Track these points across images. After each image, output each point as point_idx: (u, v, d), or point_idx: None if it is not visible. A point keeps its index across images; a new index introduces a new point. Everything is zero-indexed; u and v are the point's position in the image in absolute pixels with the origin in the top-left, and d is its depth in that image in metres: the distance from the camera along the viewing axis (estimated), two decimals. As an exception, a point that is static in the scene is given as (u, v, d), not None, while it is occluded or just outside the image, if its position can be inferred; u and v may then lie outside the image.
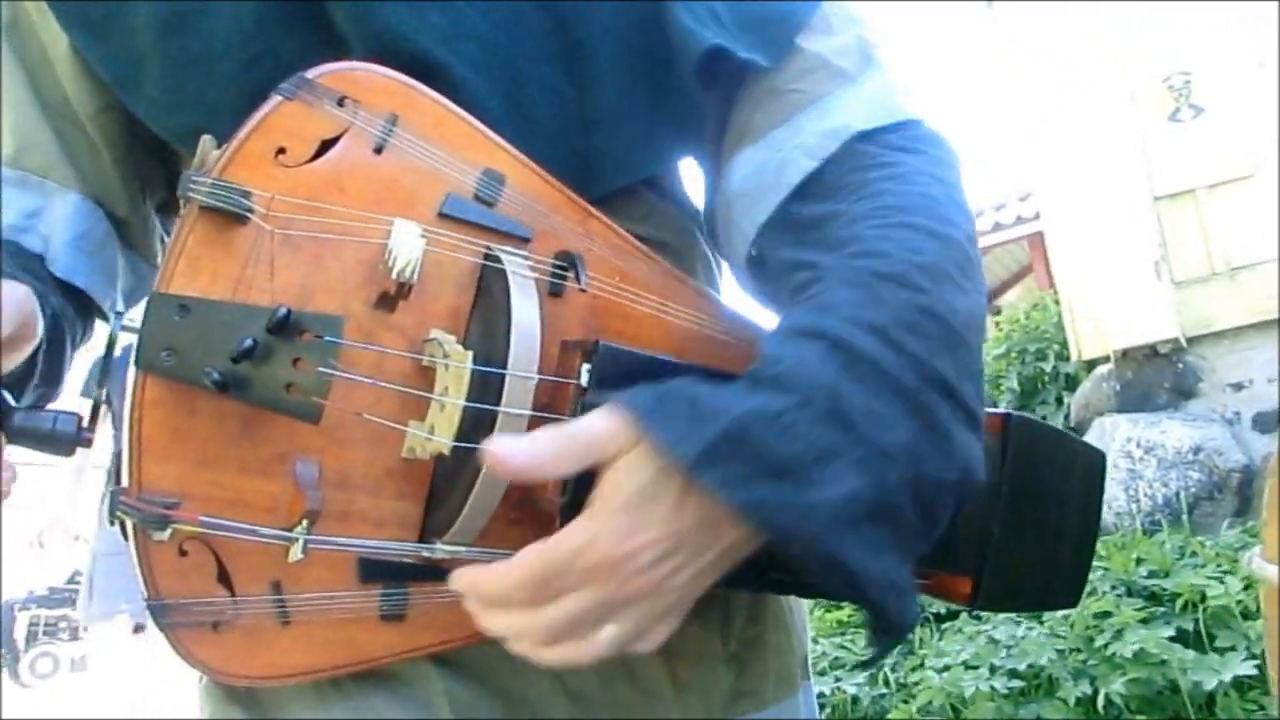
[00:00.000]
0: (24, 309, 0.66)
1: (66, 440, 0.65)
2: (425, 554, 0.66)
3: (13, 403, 0.65)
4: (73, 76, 0.81)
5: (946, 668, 3.05)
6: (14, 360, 0.67)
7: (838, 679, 3.46)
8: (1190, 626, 2.76)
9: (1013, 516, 0.78)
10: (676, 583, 0.57)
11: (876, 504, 0.56)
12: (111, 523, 0.61)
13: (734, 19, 0.75)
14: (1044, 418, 5.62)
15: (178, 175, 0.75)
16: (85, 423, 0.66)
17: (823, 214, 0.71)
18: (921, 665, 3.25)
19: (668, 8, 0.75)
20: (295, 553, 0.61)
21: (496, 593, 0.57)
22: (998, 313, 8.70)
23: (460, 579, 0.58)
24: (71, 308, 0.82)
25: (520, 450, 0.55)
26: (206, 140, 0.64)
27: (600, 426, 0.56)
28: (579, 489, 0.58)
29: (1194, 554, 3.29)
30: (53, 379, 0.79)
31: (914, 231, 0.65)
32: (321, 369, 0.59)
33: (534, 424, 0.62)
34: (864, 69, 0.76)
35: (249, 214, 0.61)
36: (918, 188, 0.69)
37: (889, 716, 3.13)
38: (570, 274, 0.69)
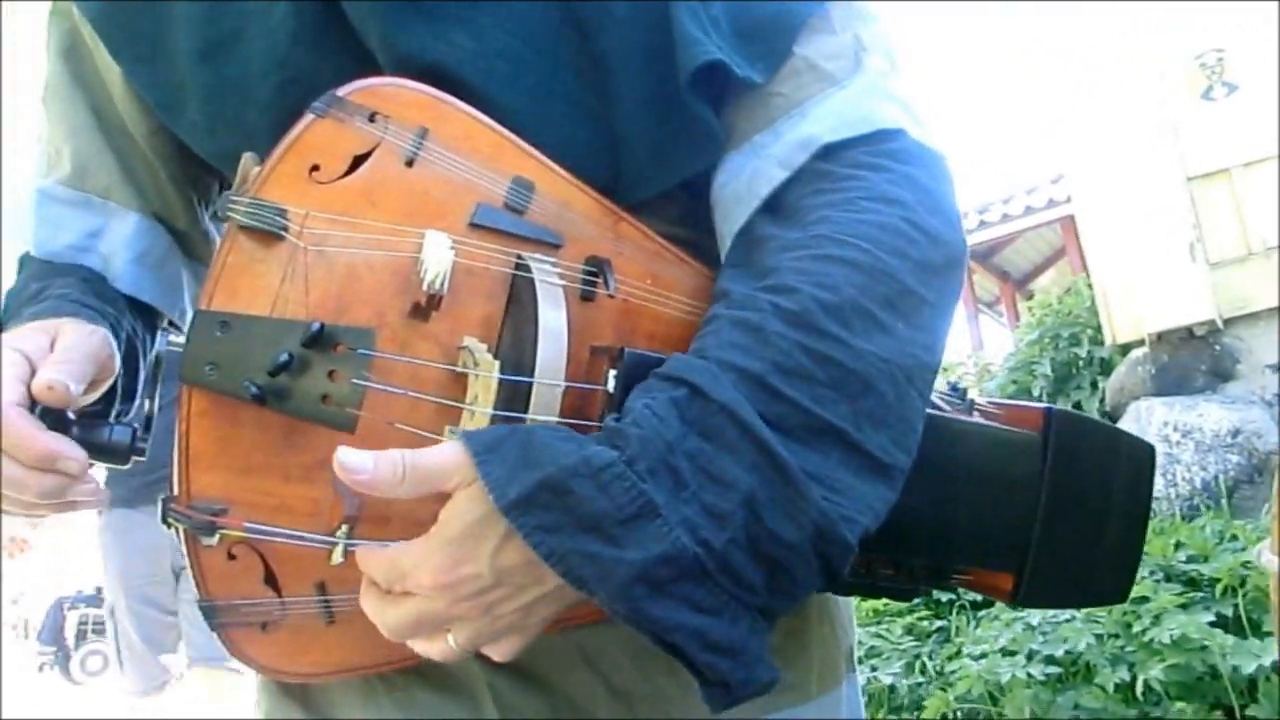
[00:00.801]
0: (100, 357, 0.71)
1: (122, 450, 0.68)
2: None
3: (72, 415, 0.68)
4: (126, 99, 0.84)
5: (984, 655, 3.04)
6: (94, 395, 0.72)
7: (874, 668, 3.45)
8: (1230, 611, 2.74)
9: (1055, 512, 0.77)
10: (503, 611, 0.59)
11: (696, 564, 0.56)
12: (168, 526, 0.63)
13: (732, 27, 0.74)
14: (1078, 403, 5.56)
15: (229, 188, 0.78)
16: (140, 433, 0.68)
17: (766, 236, 0.70)
18: (958, 653, 3.24)
19: (671, 7, 0.74)
20: (336, 556, 0.63)
21: (365, 574, 0.61)
22: (1030, 297, 8.63)
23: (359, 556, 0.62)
24: (141, 323, 0.86)
25: (364, 467, 0.57)
26: (248, 158, 0.67)
27: (443, 459, 0.58)
28: None
29: (1234, 538, 3.26)
30: (131, 395, 0.82)
31: (837, 265, 0.64)
32: (355, 380, 0.61)
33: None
34: (851, 73, 0.75)
35: (284, 232, 0.63)
36: (864, 215, 0.67)
37: (926, 705, 3.13)
38: (600, 279, 0.70)
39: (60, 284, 0.80)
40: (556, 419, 0.63)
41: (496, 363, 0.63)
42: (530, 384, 0.62)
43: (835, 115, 0.72)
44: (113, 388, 0.76)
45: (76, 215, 0.85)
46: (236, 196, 0.63)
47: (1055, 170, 8.14)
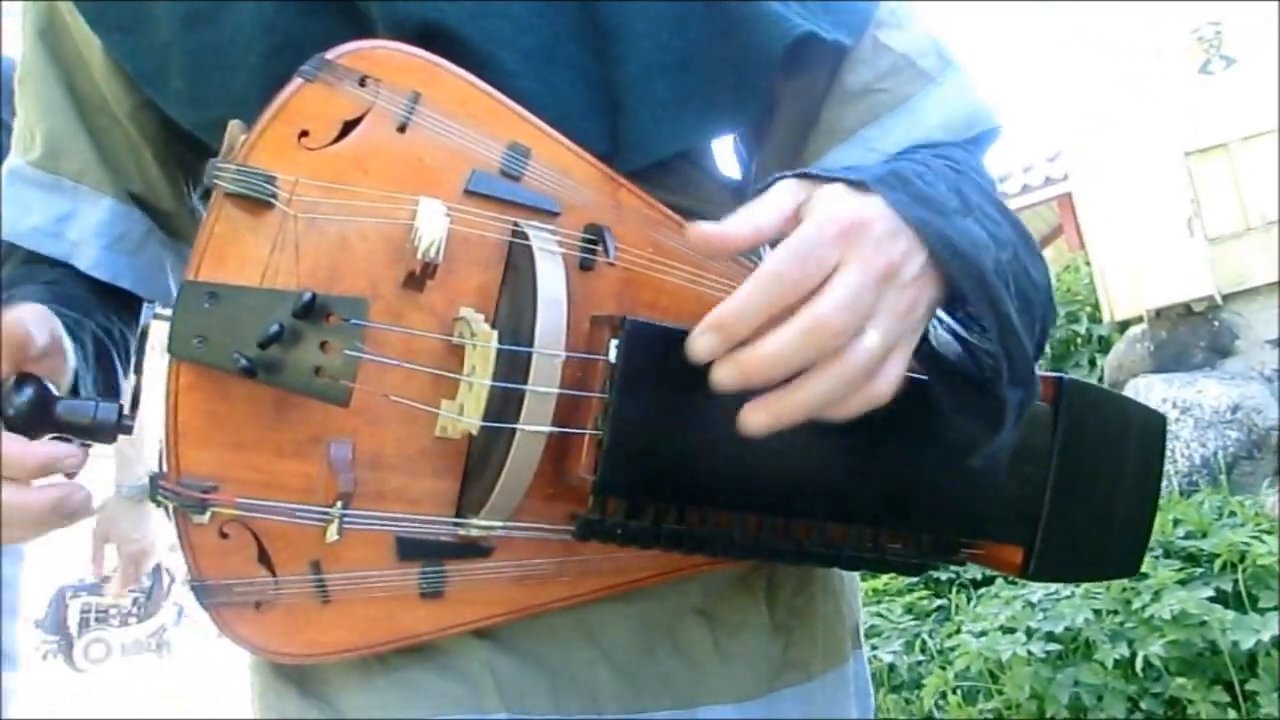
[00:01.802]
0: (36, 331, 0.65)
1: (108, 428, 0.65)
2: (460, 530, 0.67)
3: (56, 392, 0.65)
4: (108, 76, 0.81)
5: (983, 633, 3.04)
6: (51, 372, 0.66)
7: (874, 647, 3.46)
8: (1229, 587, 2.74)
9: (1065, 483, 0.76)
10: (907, 270, 0.59)
11: (996, 265, 0.62)
12: (157, 505, 0.62)
13: (808, 8, 0.77)
14: (1077, 380, 5.55)
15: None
16: (126, 410, 0.67)
17: None
18: (958, 631, 3.25)
19: None
20: (331, 533, 0.62)
21: (748, 301, 0.56)
22: (1028, 275, 8.60)
23: (697, 246, 0.60)
24: (119, 313, 0.83)
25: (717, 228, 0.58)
26: (235, 125, 0.64)
27: (776, 189, 0.61)
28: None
29: (1232, 514, 3.26)
30: (115, 392, 0.79)
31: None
32: (348, 351, 0.60)
33: (566, 400, 0.62)
34: (944, 70, 0.81)
35: (273, 199, 0.61)
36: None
37: (926, 682, 3.13)
38: (599, 247, 0.68)
39: (21, 293, 0.76)
40: (557, 390, 0.61)
41: (494, 332, 0.62)
42: (530, 354, 0.61)
43: (940, 114, 0.79)
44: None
45: (46, 198, 0.82)
46: (223, 163, 0.61)
47: (1052, 148, 8.11)
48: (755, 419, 0.57)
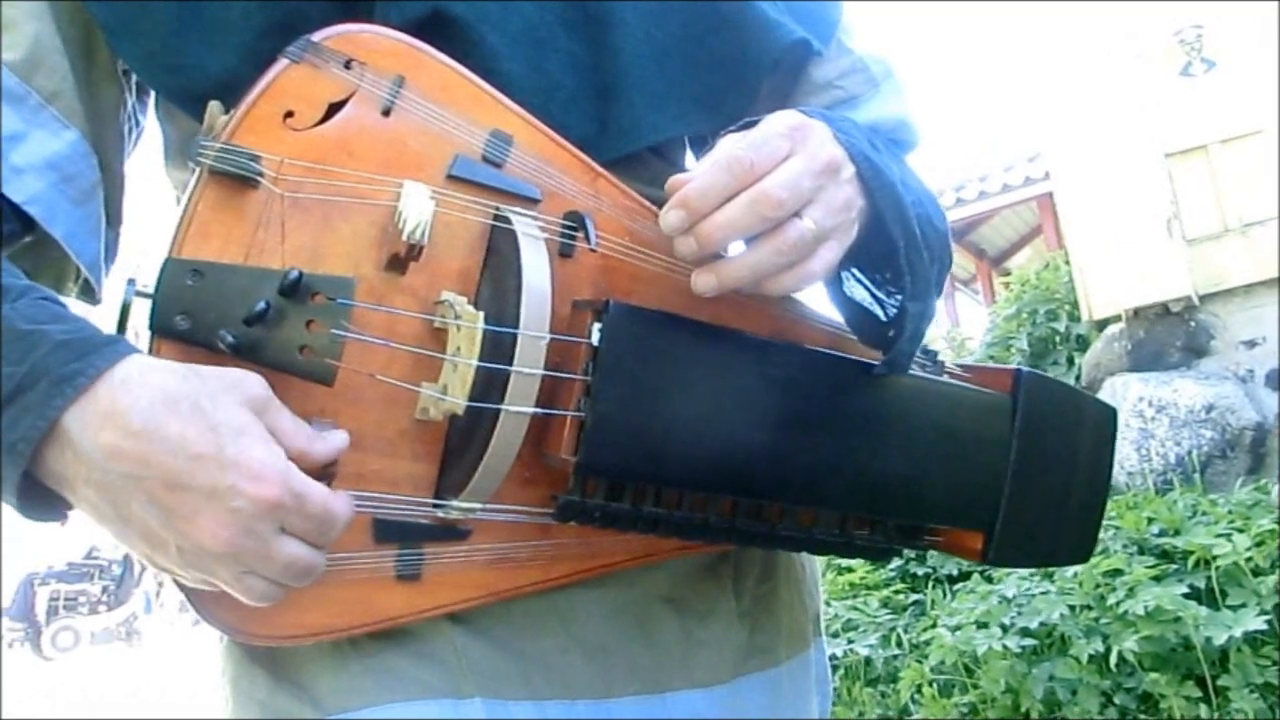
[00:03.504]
0: None
1: None
2: (439, 513, 0.67)
3: None
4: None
5: (959, 627, 3.07)
6: None
7: (850, 641, 3.48)
8: (1202, 584, 2.77)
9: (1023, 471, 0.78)
10: (845, 171, 0.68)
11: (906, 191, 0.72)
12: None
13: (791, 11, 0.86)
14: (1055, 379, 5.58)
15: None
16: None
17: None
18: (934, 625, 3.27)
19: None
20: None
21: (710, 180, 0.64)
22: (1007, 274, 8.65)
23: (673, 193, 0.65)
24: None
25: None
26: (215, 106, 0.64)
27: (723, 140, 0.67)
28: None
29: (1205, 513, 3.30)
30: None
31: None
32: (334, 330, 0.60)
33: (546, 384, 0.63)
34: (885, 79, 0.92)
35: (259, 177, 0.61)
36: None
37: (902, 676, 3.15)
38: (580, 234, 0.69)
39: None
40: (541, 372, 0.62)
41: (480, 314, 0.62)
42: (514, 336, 0.61)
43: (876, 116, 0.88)
44: None
45: (5, 108, 0.69)
46: (207, 141, 0.61)
47: (1032, 148, 8.15)
48: (703, 280, 0.66)
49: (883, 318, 0.75)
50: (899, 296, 0.73)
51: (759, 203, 0.63)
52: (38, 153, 0.70)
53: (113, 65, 0.78)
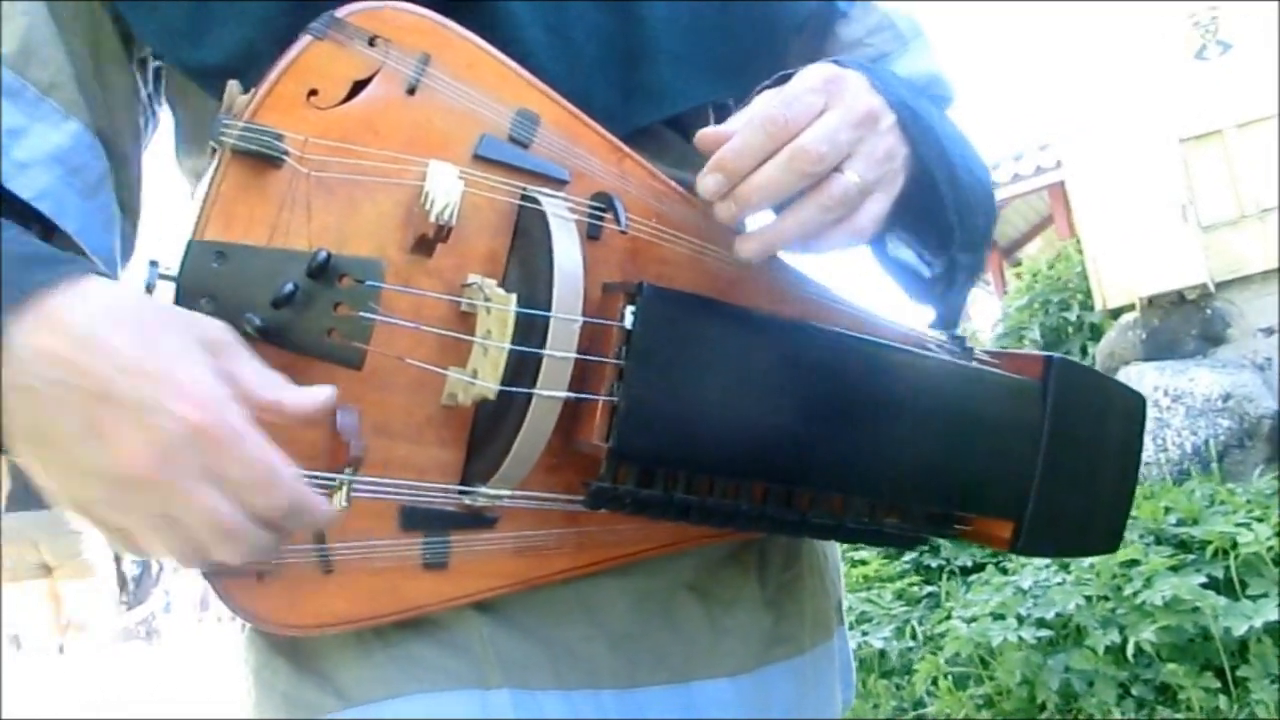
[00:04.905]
0: None
1: None
2: (466, 500, 0.66)
3: None
4: None
5: (974, 619, 3.05)
6: None
7: (865, 633, 3.47)
8: (1220, 574, 2.75)
9: (1054, 459, 0.77)
10: (884, 120, 0.66)
11: (950, 140, 0.72)
12: None
13: None
14: (1068, 368, 5.56)
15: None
16: None
17: None
18: (949, 617, 3.26)
19: None
20: (339, 500, 0.60)
21: (745, 140, 0.63)
22: (1018, 264, 8.62)
23: (705, 149, 0.65)
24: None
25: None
26: (234, 85, 0.63)
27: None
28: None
29: (1223, 502, 3.27)
30: None
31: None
32: (363, 313, 0.58)
33: (576, 368, 0.62)
34: (914, 36, 0.91)
35: (283, 156, 0.60)
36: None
37: (917, 668, 3.14)
38: (609, 215, 0.68)
39: None
40: (574, 355, 0.61)
41: (512, 296, 0.60)
42: (547, 319, 0.60)
43: (908, 72, 0.87)
44: None
45: (6, 103, 0.68)
46: (229, 120, 0.60)
47: (1043, 137, 8.11)
48: (747, 246, 0.66)
49: (928, 275, 0.75)
50: (946, 253, 0.72)
51: (797, 159, 0.62)
52: (40, 146, 0.68)
53: (122, 54, 0.76)
